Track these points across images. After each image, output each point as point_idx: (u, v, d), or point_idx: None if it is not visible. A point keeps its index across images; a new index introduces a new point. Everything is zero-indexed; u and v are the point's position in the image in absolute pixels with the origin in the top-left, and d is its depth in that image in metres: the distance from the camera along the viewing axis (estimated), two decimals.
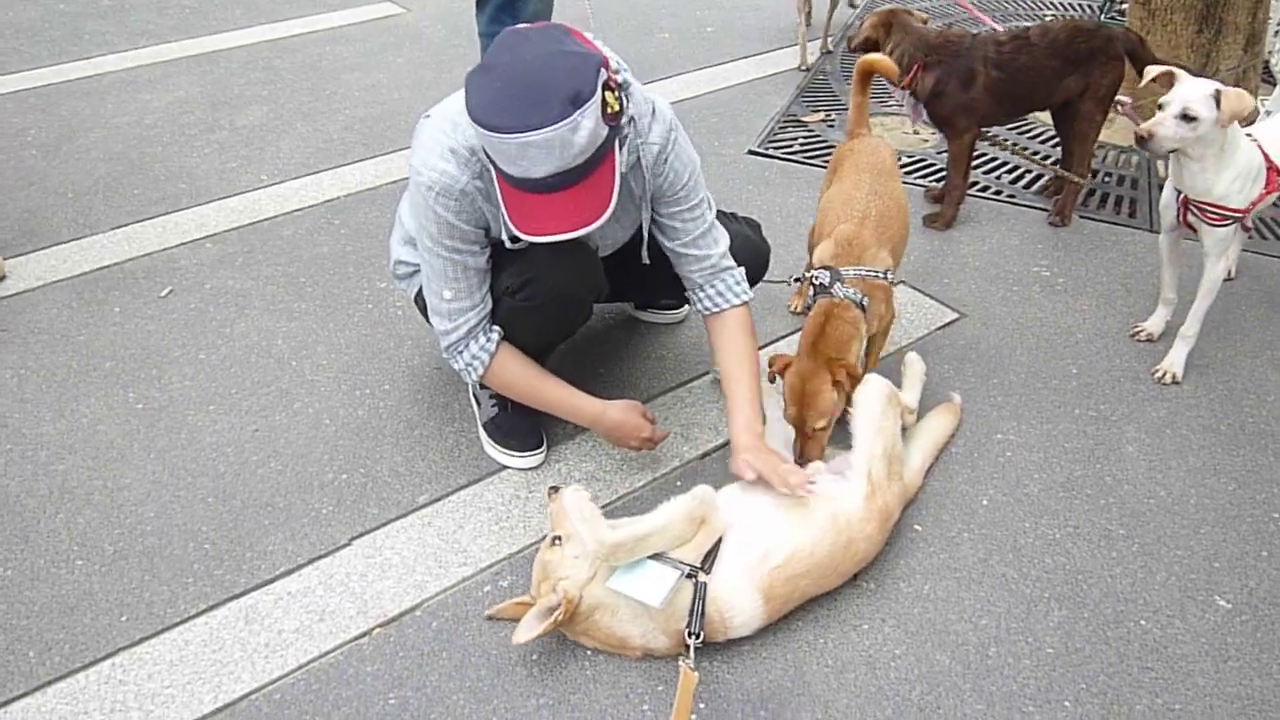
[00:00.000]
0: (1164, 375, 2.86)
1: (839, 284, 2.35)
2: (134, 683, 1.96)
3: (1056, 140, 3.82)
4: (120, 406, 2.68)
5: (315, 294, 3.14)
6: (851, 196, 2.51)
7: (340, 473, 2.46)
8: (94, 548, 2.25)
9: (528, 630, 1.89)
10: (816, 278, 2.39)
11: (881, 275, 2.38)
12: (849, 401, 2.30)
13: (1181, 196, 2.70)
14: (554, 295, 2.23)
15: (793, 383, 2.26)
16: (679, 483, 2.45)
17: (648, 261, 2.38)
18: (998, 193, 3.89)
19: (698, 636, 1.91)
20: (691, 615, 1.93)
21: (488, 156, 1.89)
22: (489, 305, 2.26)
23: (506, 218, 1.93)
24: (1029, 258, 3.46)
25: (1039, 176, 4.01)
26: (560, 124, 1.74)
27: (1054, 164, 3.76)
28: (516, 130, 1.74)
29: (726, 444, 2.57)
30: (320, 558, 2.23)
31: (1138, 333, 3.03)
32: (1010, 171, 4.07)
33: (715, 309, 2.37)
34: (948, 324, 3.08)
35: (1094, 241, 3.57)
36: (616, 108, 1.85)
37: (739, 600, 1.99)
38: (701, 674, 1.97)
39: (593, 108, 1.77)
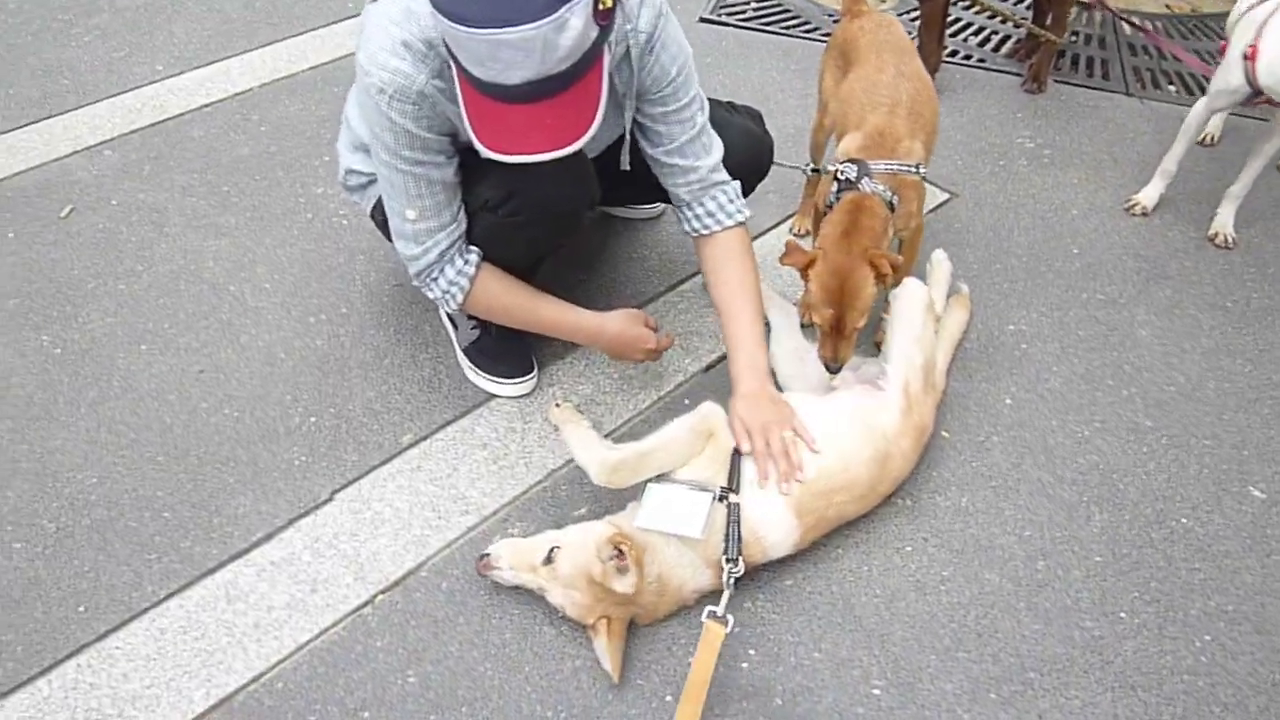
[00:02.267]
0: (1219, 238, 2.81)
1: (867, 179, 2.10)
2: (107, 685, 1.70)
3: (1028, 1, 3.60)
4: (34, 352, 2.31)
5: (243, 205, 2.75)
6: (875, 82, 2.23)
7: (308, 415, 2.17)
8: (31, 526, 1.94)
9: (626, 582, 1.69)
10: (842, 171, 2.13)
11: (913, 169, 2.14)
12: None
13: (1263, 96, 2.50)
14: (543, 208, 1.94)
15: (827, 282, 2.00)
16: (686, 400, 2.25)
17: (627, 168, 2.09)
18: (967, 57, 3.66)
19: (735, 563, 1.74)
20: (727, 540, 1.76)
21: (449, 50, 1.55)
22: (463, 224, 1.95)
23: (470, 130, 1.60)
24: (1010, 128, 3.27)
25: (1006, 39, 3.79)
26: (544, 21, 1.41)
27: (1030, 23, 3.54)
28: (488, 24, 1.42)
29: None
30: (300, 517, 1.97)
31: (1132, 206, 2.90)
32: (976, 34, 3.84)
33: (705, 231, 2.07)
34: (940, 205, 2.89)
35: (1072, 108, 3.40)
36: (610, 3, 1.53)
37: (771, 517, 1.83)
38: (747, 616, 1.84)
39: (584, 3, 1.45)
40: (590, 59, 1.54)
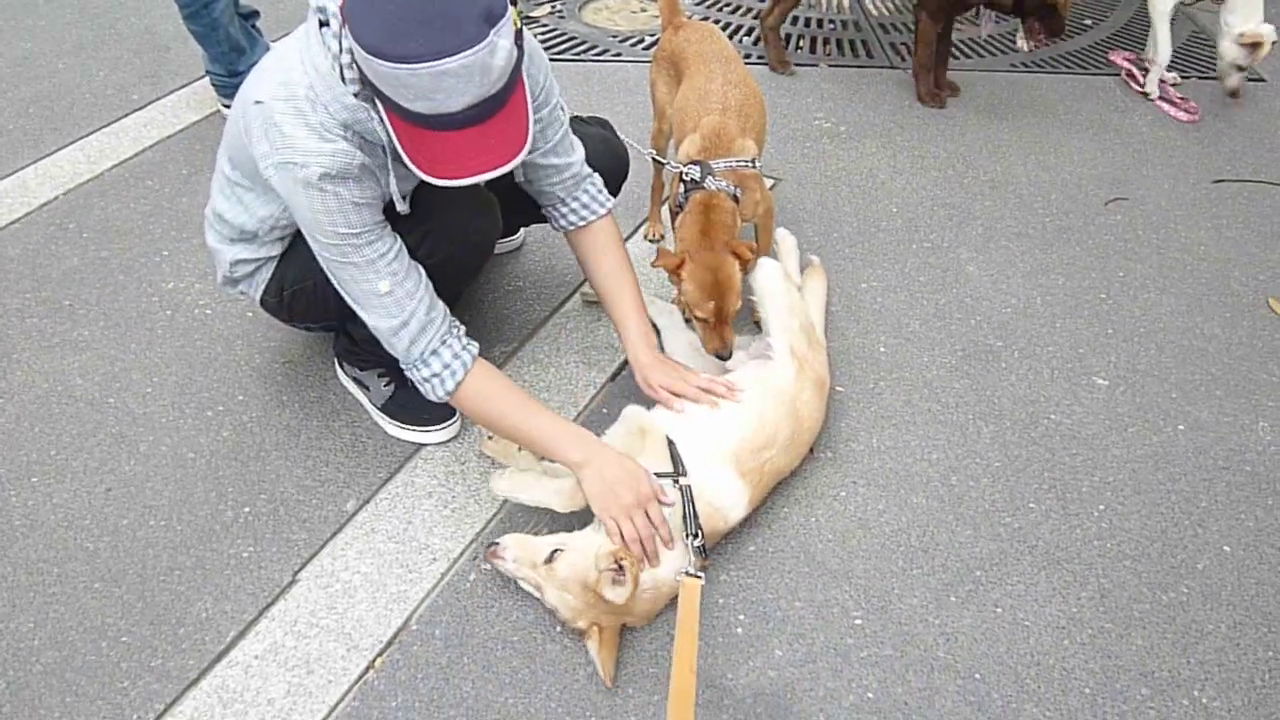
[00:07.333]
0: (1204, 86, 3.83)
1: (710, 177, 2.31)
2: None
3: None
4: None
5: (92, 315, 2.61)
6: (706, 90, 2.44)
7: (240, 507, 2.12)
8: None
9: (618, 593, 1.77)
10: (687, 173, 2.33)
11: (749, 164, 2.37)
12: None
13: None
14: (459, 241, 2.00)
15: (703, 276, 2.20)
16: (604, 410, 2.36)
17: (522, 179, 2.19)
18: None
19: (697, 536, 1.88)
20: (686, 519, 1.89)
21: (379, 96, 1.60)
22: (429, 282, 1.95)
23: (412, 165, 1.66)
24: (805, 113, 3.59)
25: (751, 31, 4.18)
26: (479, 46, 1.50)
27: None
28: (429, 58, 1.49)
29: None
30: (270, 606, 1.93)
31: (1144, 90, 3.79)
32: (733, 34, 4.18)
33: (581, 223, 2.22)
34: (769, 190, 3.14)
35: (850, 87, 3.77)
36: (518, 24, 1.65)
37: (721, 486, 1.98)
38: (726, 586, 1.97)
39: (507, 25, 1.55)
40: (516, 77, 1.63)
